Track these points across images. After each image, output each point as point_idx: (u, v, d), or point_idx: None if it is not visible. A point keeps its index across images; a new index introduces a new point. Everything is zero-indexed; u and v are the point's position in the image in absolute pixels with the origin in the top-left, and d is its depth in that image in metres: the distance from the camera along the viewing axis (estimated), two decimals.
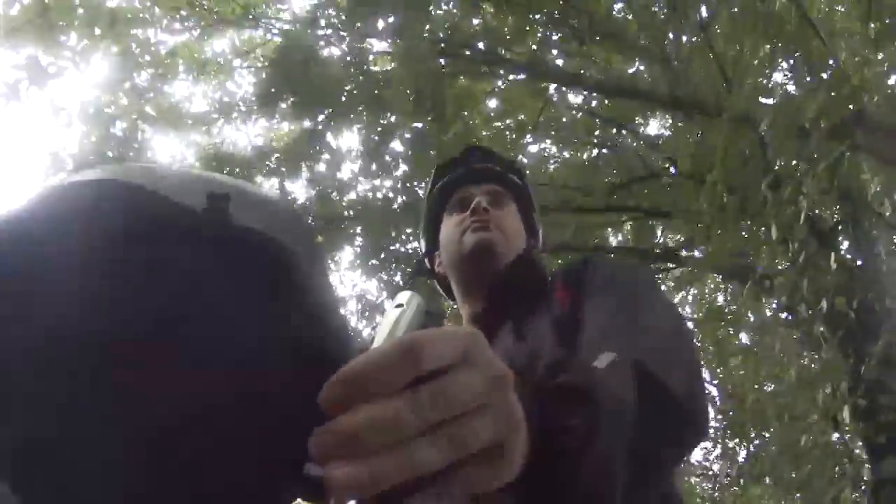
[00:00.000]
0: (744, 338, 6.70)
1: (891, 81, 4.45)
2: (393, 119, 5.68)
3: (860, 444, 4.62)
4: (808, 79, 4.78)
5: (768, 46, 4.17)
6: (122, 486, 0.34)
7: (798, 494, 5.04)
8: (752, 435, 6.17)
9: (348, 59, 5.60)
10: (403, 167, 5.86)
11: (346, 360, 0.36)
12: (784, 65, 5.18)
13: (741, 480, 6.77)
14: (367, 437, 0.34)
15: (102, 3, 5.15)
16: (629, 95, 5.52)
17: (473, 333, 0.39)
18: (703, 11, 5.05)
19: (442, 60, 5.55)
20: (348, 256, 6.18)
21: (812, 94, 3.81)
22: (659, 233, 6.76)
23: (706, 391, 0.81)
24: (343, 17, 5.50)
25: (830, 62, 4.25)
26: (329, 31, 5.60)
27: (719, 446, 7.21)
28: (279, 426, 0.36)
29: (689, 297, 7.77)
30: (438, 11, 5.58)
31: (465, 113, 5.94)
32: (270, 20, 6.01)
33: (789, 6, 3.94)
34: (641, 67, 5.87)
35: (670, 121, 6.30)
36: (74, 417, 0.33)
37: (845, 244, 5.19)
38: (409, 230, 5.68)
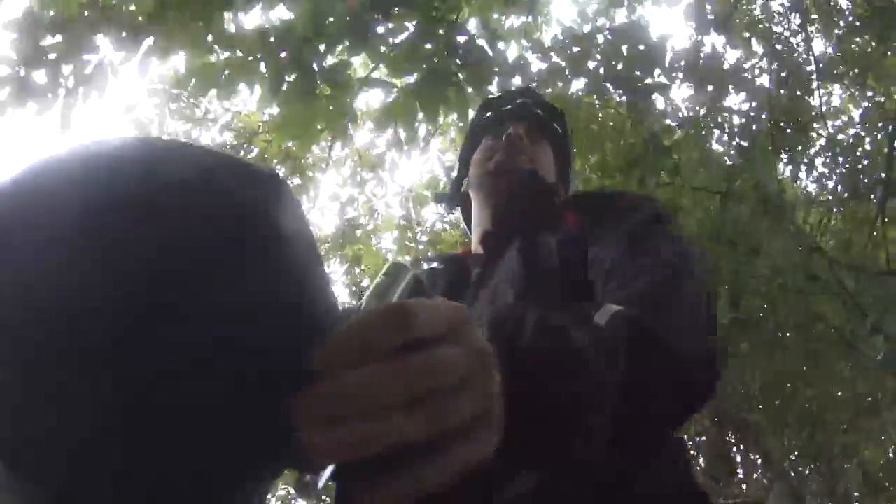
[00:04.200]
0: None
1: None
2: None
3: None
4: None
5: None
6: (114, 445, 0.35)
7: None
8: None
9: None
10: None
11: (328, 319, 0.36)
12: None
13: None
14: (349, 401, 0.34)
15: None
16: None
17: (461, 308, 0.40)
18: None
19: None
20: None
21: None
22: None
23: (712, 333, 0.82)
24: None
25: None
26: None
27: None
28: (266, 387, 0.36)
29: None
30: None
31: None
32: None
33: None
34: None
35: None
36: (72, 380, 0.34)
37: None
38: None
